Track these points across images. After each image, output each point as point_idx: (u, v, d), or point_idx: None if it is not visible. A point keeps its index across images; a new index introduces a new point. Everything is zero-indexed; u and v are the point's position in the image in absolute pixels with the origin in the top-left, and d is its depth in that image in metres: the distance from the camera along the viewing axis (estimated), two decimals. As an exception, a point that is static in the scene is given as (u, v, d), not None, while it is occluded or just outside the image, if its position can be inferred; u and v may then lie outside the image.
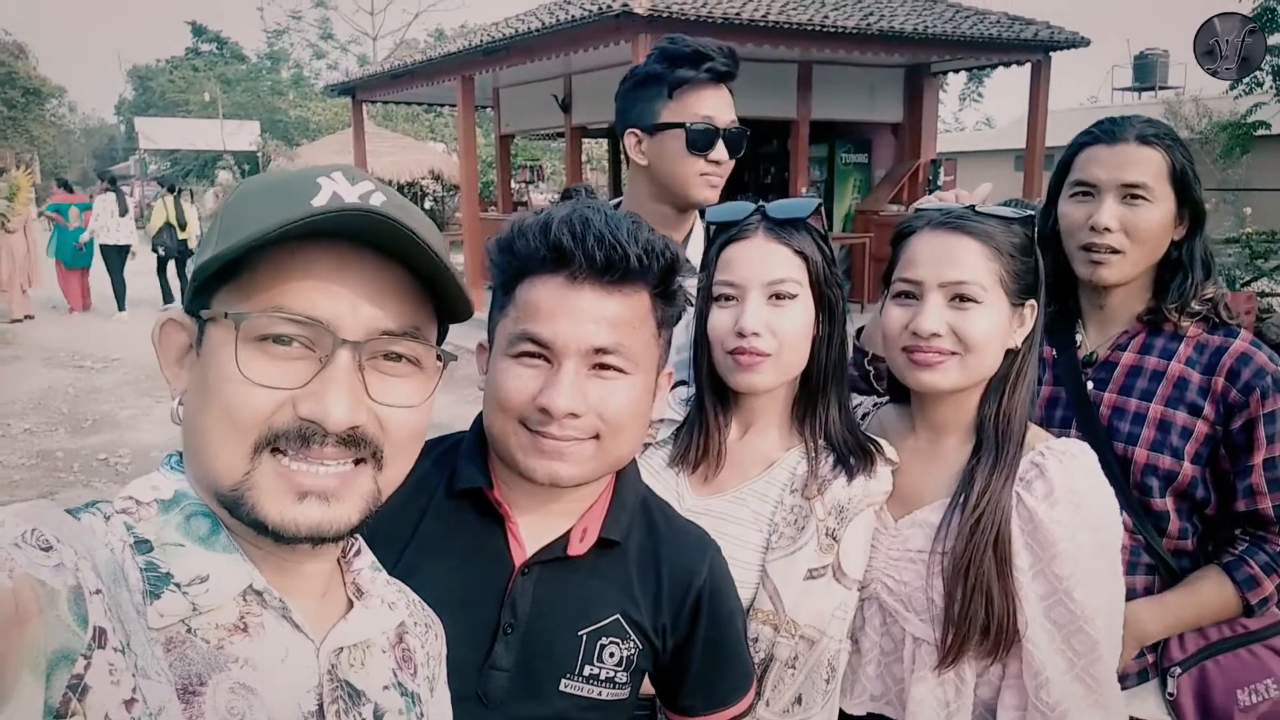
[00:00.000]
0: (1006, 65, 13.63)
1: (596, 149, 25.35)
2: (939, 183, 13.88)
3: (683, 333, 1.45)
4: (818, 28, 10.61)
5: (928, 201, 1.59)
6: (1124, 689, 1.59)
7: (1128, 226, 1.68)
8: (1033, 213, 1.51)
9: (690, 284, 1.26)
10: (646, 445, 1.58)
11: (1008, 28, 12.26)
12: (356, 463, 0.79)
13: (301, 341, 0.76)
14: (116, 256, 13.62)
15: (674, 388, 1.53)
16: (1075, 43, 12.56)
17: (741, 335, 1.42)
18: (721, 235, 1.50)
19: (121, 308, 13.49)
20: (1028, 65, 12.87)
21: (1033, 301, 1.48)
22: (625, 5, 9.56)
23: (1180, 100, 28.59)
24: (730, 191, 1.89)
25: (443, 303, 0.85)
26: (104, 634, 0.66)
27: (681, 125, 1.95)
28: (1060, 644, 1.38)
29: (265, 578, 0.80)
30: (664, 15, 9.70)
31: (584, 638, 1.20)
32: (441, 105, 22.06)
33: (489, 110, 16.62)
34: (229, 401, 0.75)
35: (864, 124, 13.94)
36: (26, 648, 0.60)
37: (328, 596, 0.88)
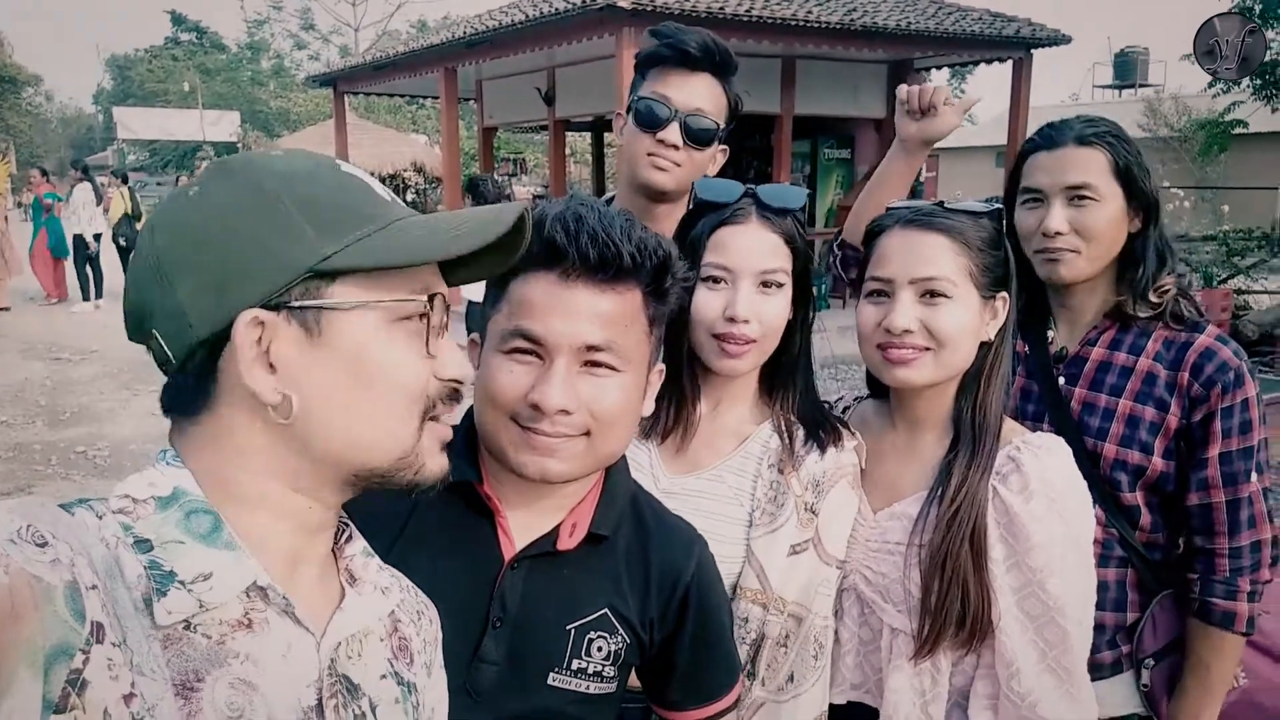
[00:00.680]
0: (989, 62, 13.71)
1: (580, 142, 25.32)
2: (920, 179, 13.93)
3: None
4: (801, 23, 10.62)
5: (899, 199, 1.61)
6: (1098, 680, 1.62)
7: (1078, 227, 1.69)
8: (1000, 206, 1.53)
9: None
10: None
11: (989, 25, 12.34)
12: None
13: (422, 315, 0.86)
14: (96, 245, 13.50)
15: None
16: (1056, 40, 12.65)
17: (732, 321, 1.43)
18: (712, 215, 1.49)
19: (99, 295, 13.38)
20: (1009, 62, 12.95)
21: (1004, 294, 1.49)
22: (609, -2, 9.55)
23: (1160, 98, 28.85)
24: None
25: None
26: (101, 629, 0.66)
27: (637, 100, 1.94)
28: (1033, 635, 1.41)
29: (269, 575, 0.80)
30: (648, 9, 9.67)
31: (572, 632, 1.21)
32: (424, 97, 22.01)
33: (471, 103, 16.53)
34: (406, 383, 0.82)
35: (847, 119, 13.95)
36: (23, 644, 0.60)
37: (322, 585, 0.88)
